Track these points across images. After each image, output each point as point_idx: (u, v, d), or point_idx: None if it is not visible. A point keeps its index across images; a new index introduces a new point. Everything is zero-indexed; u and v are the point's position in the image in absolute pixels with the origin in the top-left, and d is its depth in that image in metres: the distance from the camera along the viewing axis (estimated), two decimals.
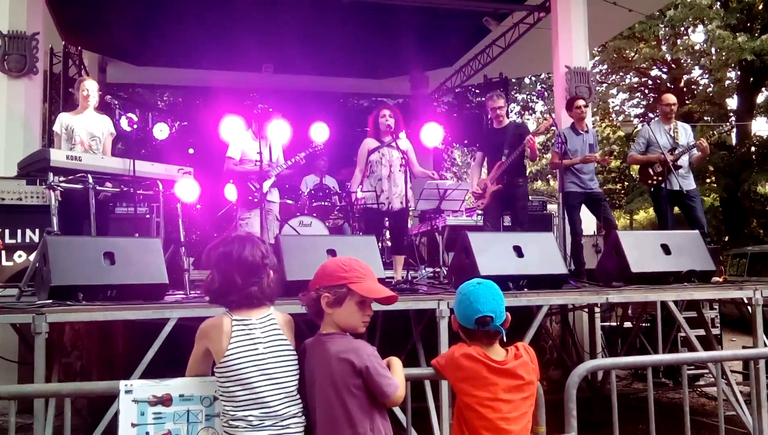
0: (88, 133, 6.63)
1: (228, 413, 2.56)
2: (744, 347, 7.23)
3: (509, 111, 15.24)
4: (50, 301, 4.27)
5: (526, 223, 7.26)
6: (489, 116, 7.59)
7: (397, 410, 4.00)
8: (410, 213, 7.45)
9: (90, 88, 6.76)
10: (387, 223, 7.21)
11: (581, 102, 7.80)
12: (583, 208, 7.74)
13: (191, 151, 12.77)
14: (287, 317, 2.74)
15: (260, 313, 2.65)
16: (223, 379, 2.57)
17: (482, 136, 8.15)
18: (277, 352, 2.59)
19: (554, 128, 7.66)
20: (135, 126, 6.96)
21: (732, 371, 6.68)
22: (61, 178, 5.45)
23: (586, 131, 7.74)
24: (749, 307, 5.83)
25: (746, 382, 7.18)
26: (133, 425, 2.61)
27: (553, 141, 8.03)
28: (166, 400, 2.65)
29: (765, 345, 5.77)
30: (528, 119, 27.89)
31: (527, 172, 7.65)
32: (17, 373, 6.14)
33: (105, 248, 4.62)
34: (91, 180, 5.52)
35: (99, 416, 4.21)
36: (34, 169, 5.61)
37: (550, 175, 27.64)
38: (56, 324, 4.22)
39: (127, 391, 2.62)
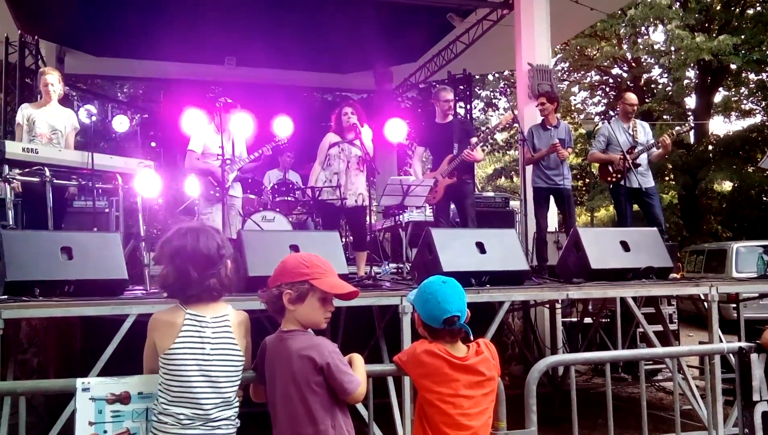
0: (49, 126, 6.40)
1: (161, 406, 2.51)
2: (701, 342, 7.37)
3: (473, 107, 15.30)
4: (5, 296, 4.18)
5: (476, 221, 7.32)
6: (437, 110, 7.59)
7: (359, 406, 4.00)
8: (374, 209, 7.47)
9: (51, 80, 6.51)
10: (344, 218, 7.23)
11: (542, 98, 7.90)
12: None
13: (153, 144, 12.61)
14: (242, 316, 2.68)
15: (216, 311, 2.59)
16: (164, 371, 2.51)
17: (426, 131, 8.18)
18: (223, 355, 2.53)
19: (516, 125, 7.72)
20: (94, 118, 6.82)
21: (689, 366, 6.81)
22: (17, 171, 5.33)
23: (555, 126, 7.79)
24: (705, 303, 5.94)
25: (703, 376, 7.33)
26: (91, 423, 2.57)
27: (516, 138, 8.10)
28: (124, 398, 2.61)
29: (720, 340, 5.88)
30: (491, 115, 28.06)
31: (488, 168, 7.70)
32: None
33: (62, 243, 4.53)
34: (48, 173, 5.41)
35: (57, 414, 4.14)
36: None
37: (513, 172, 27.85)
38: (12, 320, 4.13)
39: (84, 389, 2.58)
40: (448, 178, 7.24)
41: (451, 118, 7.59)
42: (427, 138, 7.82)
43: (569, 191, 7.80)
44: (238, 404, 2.60)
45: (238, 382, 2.60)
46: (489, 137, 7.56)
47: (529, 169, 7.84)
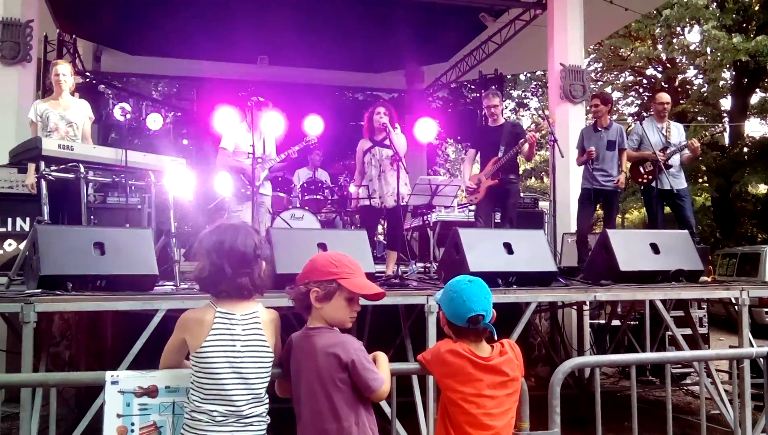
0: (64, 120, 6.38)
1: (193, 403, 2.54)
2: (731, 347, 7.27)
3: (504, 108, 15.25)
4: (39, 290, 4.26)
5: (515, 221, 7.31)
6: (484, 114, 7.64)
7: (383, 404, 4.02)
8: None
9: (62, 71, 6.45)
10: (383, 220, 7.26)
11: (596, 100, 7.86)
12: None
13: (185, 142, 12.76)
14: (273, 315, 2.71)
15: (246, 309, 2.62)
16: (196, 369, 2.55)
17: (476, 132, 8.20)
18: (253, 352, 2.57)
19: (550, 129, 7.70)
20: (128, 115, 6.91)
21: (718, 370, 6.72)
22: (53, 167, 5.42)
23: (606, 128, 7.74)
24: (736, 307, 5.87)
25: (732, 381, 7.23)
26: (119, 416, 2.61)
27: (546, 139, 8.07)
28: (152, 392, 2.65)
29: (751, 344, 5.80)
30: (522, 116, 27.94)
31: (520, 169, 7.69)
32: (5, 362, 6.14)
33: (95, 238, 4.61)
34: (82, 169, 5.49)
35: (86, 406, 4.22)
36: (25, 157, 5.58)
37: (543, 173, 27.70)
38: (45, 313, 4.22)
39: (113, 382, 2.62)
40: (491, 180, 7.25)
41: (502, 121, 7.60)
42: (477, 140, 7.82)
43: (614, 194, 7.73)
44: (267, 401, 2.64)
45: (269, 379, 2.63)
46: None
47: (579, 170, 7.87)
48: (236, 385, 2.52)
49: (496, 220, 7.67)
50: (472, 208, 8.09)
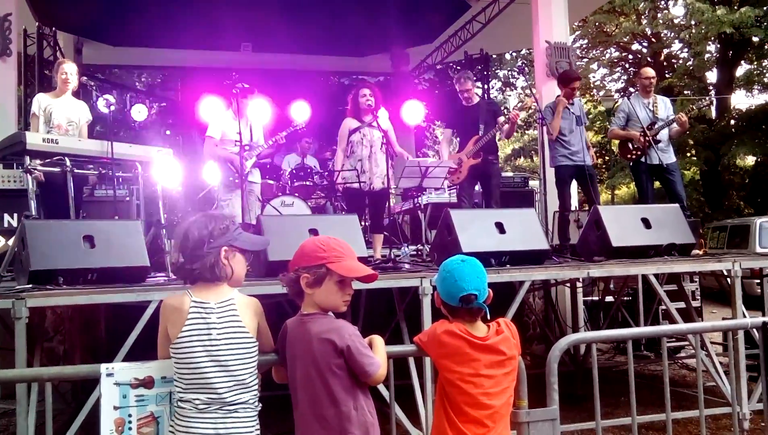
0: (66, 117, 6.50)
1: (177, 393, 2.55)
2: (724, 319, 7.30)
3: (490, 87, 15.21)
4: (30, 285, 4.23)
5: (499, 201, 7.32)
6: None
7: (380, 387, 4.01)
8: (392, 192, 7.50)
9: (69, 71, 6.60)
10: (368, 202, 7.25)
11: (578, 82, 7.75)
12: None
13: (168, 132, 12.67)
14: (250, 300, 2.69)
15: (221, 296, 2.60)
16: (175, 359, 2.55)
17: (453, 113, 8.17)
18: (231, 339, 2.55)
19: (535, 104, 7.68)
20: (112, 107, 6.83)
21: (712, 343, 6.76)
22: (38, 162, 5.38)
23: (572, 104, 7.72)
24: (728, 279, 5.88)
25: (726, 353, 7.28)
26: (116, 408, 2.60)
27: (535, 117, 8.02)
28: (147, 383, 2.64)
29: (744, 316, 5.83)
30: (509, 95, 27.89)
31: (506, 148, 7.67)
32: None
33: (84, 231, 4.57)
34: (68, 163, 5.45)
35: (83, 400, 4.20)
36: (10, 152, 5.52)
37: (532, 152, 27.70)
38: (37, 308, 4.18)
39: (109, 374, 2.61)
40: (473, 159, 7.26)
41: (477, 99, 7.62)
42: (454, 120, 7.83)
43: (593, 169, 7.72)
44: (257, 388, 2.62)
45: (253, 364, 2.61)
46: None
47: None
48: (216, 373, 2.51)
49: (475, 201, 7.69)
50: (449, 185, 8.12)
